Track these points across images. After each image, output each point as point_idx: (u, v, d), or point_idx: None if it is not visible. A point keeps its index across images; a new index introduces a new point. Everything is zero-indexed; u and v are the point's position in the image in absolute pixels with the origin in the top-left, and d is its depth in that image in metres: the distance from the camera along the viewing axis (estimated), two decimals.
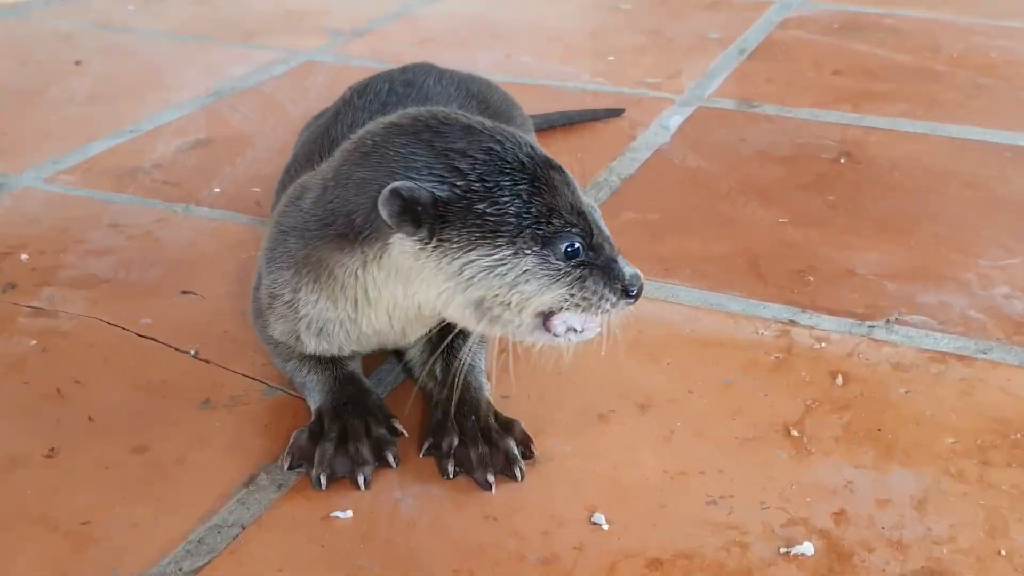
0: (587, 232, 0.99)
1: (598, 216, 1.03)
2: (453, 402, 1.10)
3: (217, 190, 1.71)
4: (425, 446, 1.09)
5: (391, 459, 1.07)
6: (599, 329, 1.02)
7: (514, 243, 0.97)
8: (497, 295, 0.98)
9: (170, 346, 1.29)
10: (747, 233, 1.54)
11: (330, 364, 1.15)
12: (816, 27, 2.49)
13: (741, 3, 2.70)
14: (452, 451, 1.06)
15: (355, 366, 1.17)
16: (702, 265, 1.45)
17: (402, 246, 0.99)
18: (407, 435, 1.10)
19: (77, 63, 2.34)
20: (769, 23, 2.53)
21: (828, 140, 1.86)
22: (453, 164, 0.97)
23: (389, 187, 0.96)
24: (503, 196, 0.96)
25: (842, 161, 1.77)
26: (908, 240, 1.51)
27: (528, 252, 0.97)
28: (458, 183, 0.96)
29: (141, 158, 1.84)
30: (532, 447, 1.08)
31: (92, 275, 1.46)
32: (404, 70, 1.54)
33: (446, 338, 1.12)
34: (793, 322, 1.31)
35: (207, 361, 1.26)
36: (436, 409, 1.12)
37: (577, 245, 0.99)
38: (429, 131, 0.99)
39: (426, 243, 0.97)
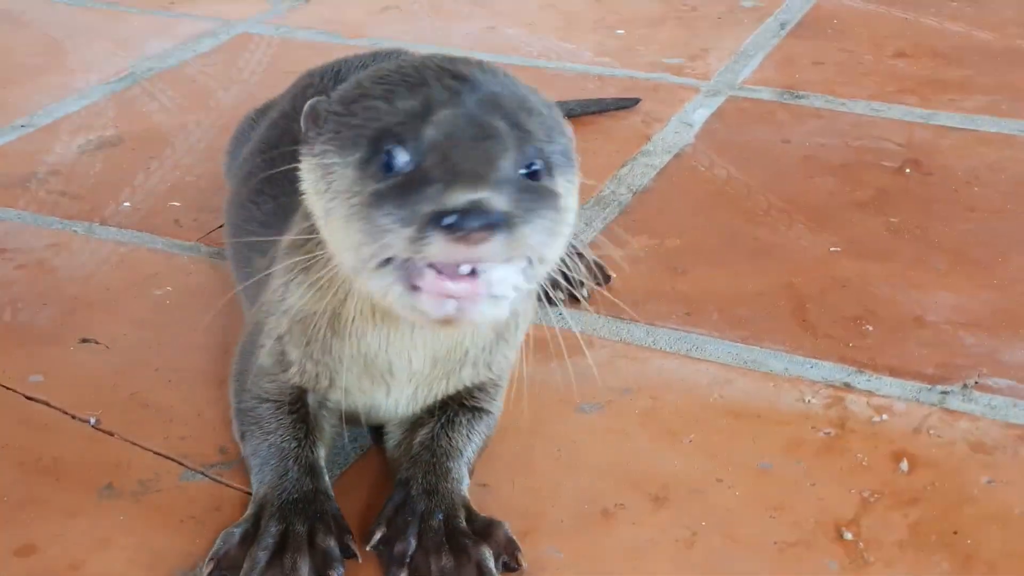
0: (416, 135, 0.92)
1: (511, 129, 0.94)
2: (421, 487, 1.08)
3: (127, 204, 1.68)
4: (374, 538, 1.05)
5: None
6: (426, 299, 0.91)
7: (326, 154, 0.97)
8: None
9: (65, 412, 1.26)
10: (790, 266, 1.51)
11: (294, 442, 1.12)
12: None
13: None
14: (407, 558, 1.03)
15: (320, 457, 1.14)
16: (734, 308, 1.43)
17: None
18: (360, 559, 1.05)
19: None
20: None
21: (890, 143, 1.84)
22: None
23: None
24: (358, 104, 0.98)
25: (908, 171, 1.75)
26: (991, 277, 1.49)
27: (330, 162, 0.97)
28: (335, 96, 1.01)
29: (35, 161, 1.81)
30: (519, 557, 1.04)
31: None
32: (375, 57, 1.52)
33: (441, 405, 1.14)
34: (848, 386, 1.29)
35: (110, 433, 1.23)
36: (398, 490, 1.09)
37: (393, 155, 0.92)
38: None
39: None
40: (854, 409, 1.25)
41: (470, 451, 1.13)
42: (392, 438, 1.18)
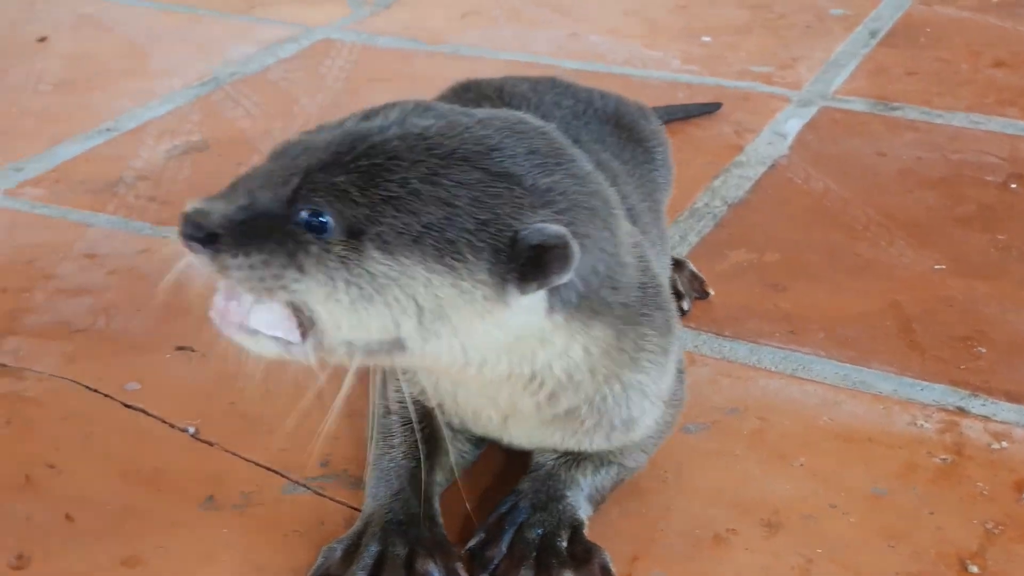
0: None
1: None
2: (530, 501, 1.07)
3: None
4: (473, 541, 1.06)
5: None
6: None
7: None
8: None
9: (164, 421, 1.27)
10: (894, 283, 1.49)
11: (413, 462, 1.11)
12: (968, 1, 2.44)
13: None
14: (492, 563, 1.04)
15: (436, 482, 1.12)
16: (839, 327, 1.40)
17: None
18: None
19: (42, 40, 2.33)
20: None
21: (992, 156, 1.80)
22: None
23: None
24: None
25: (1012, 187, 1.72)
26: None
27: None
28: None
29: (122, 166, 1.82)
30: None
31: (65, 323, 1.43)
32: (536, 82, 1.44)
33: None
34: (962, 410, 1.26)
35: (210, 443, 1.23)
36: (509, 499, 1.09)
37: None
38: None
39: None
40: (970, 435, 1.23)
41: (591, 487, 1.11)
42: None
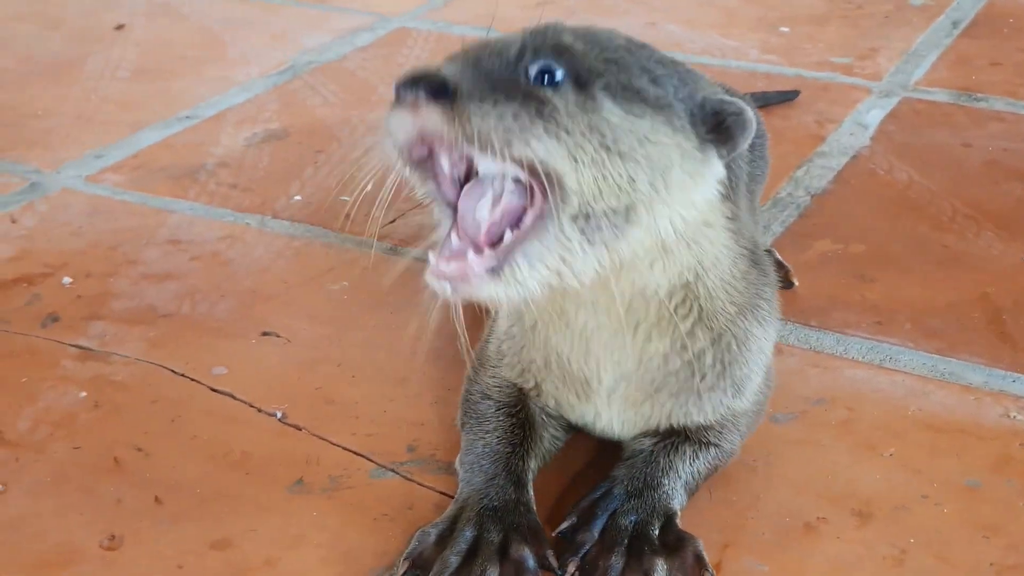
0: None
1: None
2: (625, 488, 1.08)
3: (297, 198, 1.70)
4: (564, 524, 1.07)
5: None
6: (432, 280, 0.92)
7: None
8: None
9: (251, 405, 1.28)
10: (982, 275, 1.47)
11: (509, 448, 1.12)
12: None
13: None
14: (583, 549, 1.04)
15: (530, 468, 1.13)
16: (926, 318, 1.39)
17: None
18: (558, 574, 1.04)
19: (119, 27, 2.36)
20: None
21: None
22: None
23: None
24: None
25: None
26: None
27: None
28: None
29: (202, 153, 1.84)
30: None
31: (150, 307, 1.46)
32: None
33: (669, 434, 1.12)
34: None
35: (298, 427, 1.24)
36: (603, 485, 1.10)
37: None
38: None
39: None
40: None
41: (688, 474, 1.10)
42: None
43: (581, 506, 1.08)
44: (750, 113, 0.98)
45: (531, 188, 0.90)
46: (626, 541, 1.04)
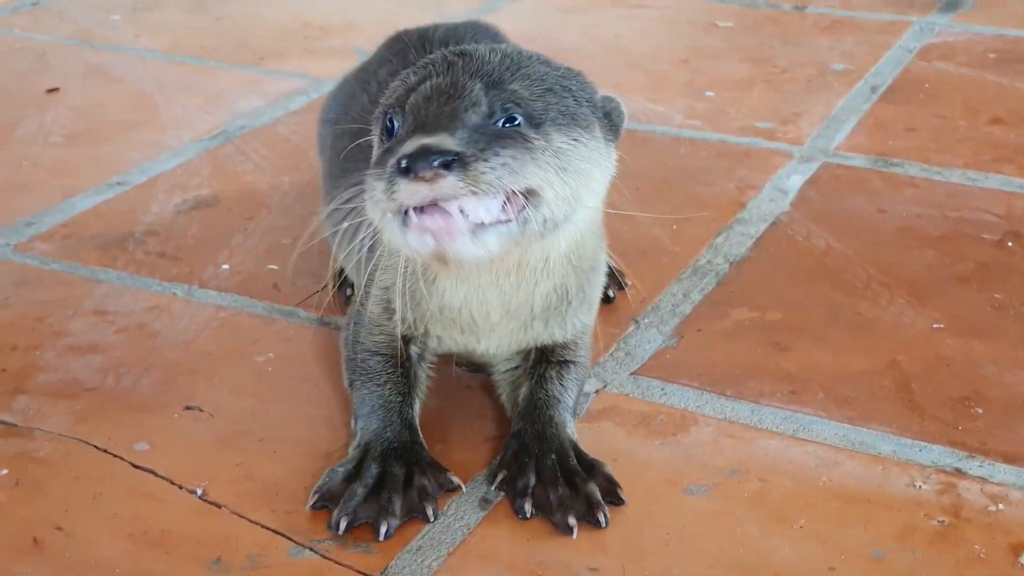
0: (402, 105, 1.13)
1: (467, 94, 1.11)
2: (531, 435, 1.26)
3: (225, 267, 1.71)
4: (498, 479, 1.24)
5: (429, 512, 1.19)
6: (412, 237, 1.07)
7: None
8: None
9: (172, 482, 1.28)
10: (893, 342, 1.50)
11: (399, 397, 1.30)
12: (966, 58, 2.47)
13: (869, 24, 2.68)
14: (529, 490, 1.21)
15: (417, 413, 1.31)
16: (838, 387, 1.42)
17: None
18: (464, 488, 1.24)
19: (52, 91, 2.36)
20: (906, 52, 2.50)
21: (990, 214, 1.82)
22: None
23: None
24: (390, 89, 1.20)
25: (1009, 244, 1.74)
26: None
27: (372, 137, 1.23)
28: None
29: (132, 221, 1.84)
30: (620, 493, 1.21)
31: (75, 380, 1.45)
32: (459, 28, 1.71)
33: (534, 363, 1.33)
34: (959, 471, 1.28)
35: (218, 505, 1.25)
36: (513, 440, 1.27)
37: (392, 123, 1.14)
38: None
39: None
40: (968, 497, 1.24)
41: (567, 398, 1.30)
42: (501, 391, 1.38)
43: (506, 460, 1.25)
44: (622, 105, 1.23)
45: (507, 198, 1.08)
46: (559, 474, 1.21)
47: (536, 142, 1.09)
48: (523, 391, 1.32)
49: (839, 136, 2.11)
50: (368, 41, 2.60)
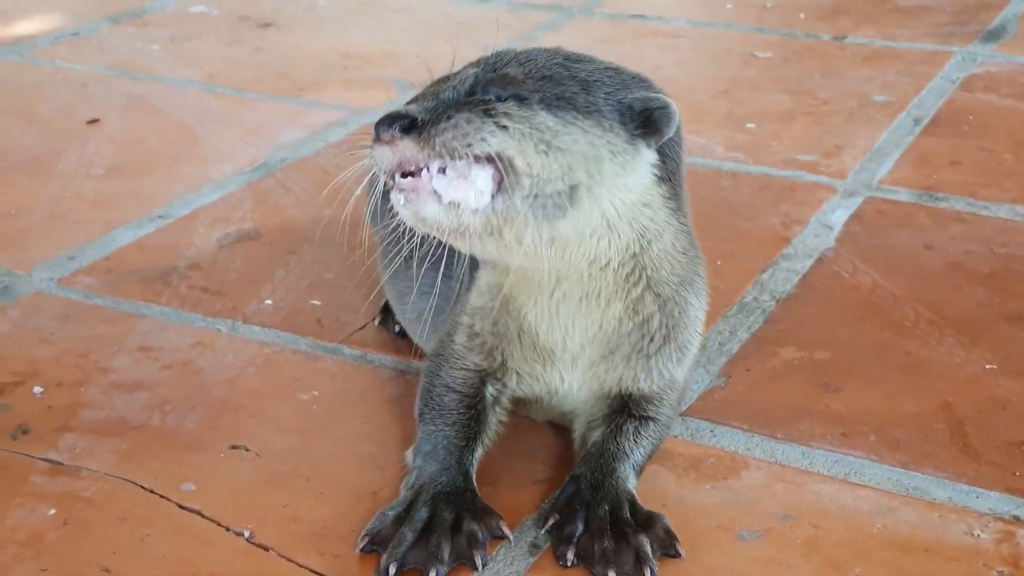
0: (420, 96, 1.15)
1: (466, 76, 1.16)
2: (589, 482, 1.24)
3: (268, 302, 1.70)
4: (548, 523, 1.22)
5: (478, 560, 1.18)
6: (393, 196, 1.12)
7: None
8: None
9: (219, 524, 1.27)
10: (945, 383, 1.48)
11: (464, 441, 1.28)
12: (1010, 89, 2.44)
13: (910, 54, 2.66)
14: (575, 538, 1.19)
15: (476, 459, 1.29)
16: (891, 429, 1.40)
17: None
18: (511, 539, 1.22)
19: (92, 122, 2.37)
20: (948, 83, 2.48)
21: None
22: None
23: None
24: None
25: None
26: None
27: None
28: None
29: (175, 255, 1.84)
30: (678, 547, 1.19)
31: (120, 418, 1.45)
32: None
33: (613, 412, 1.30)
34: (1018, 519, 1.26)
35: (265, 548, 1.24)
36: (570, 484, 1.25)
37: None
38: None
39: None
40: None
41: (637, 455, 1.28)
42: (576, 440, 1.34)
43: (558, 504, 1.23)
44: (674, 106, 1.18)
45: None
46: (608, 526, 1.19)
47: (506, 110, 1.10)
48: (595, 435, 1.30)
49: (882, 169, 2.09)
50: (407, 72, 2.60)
